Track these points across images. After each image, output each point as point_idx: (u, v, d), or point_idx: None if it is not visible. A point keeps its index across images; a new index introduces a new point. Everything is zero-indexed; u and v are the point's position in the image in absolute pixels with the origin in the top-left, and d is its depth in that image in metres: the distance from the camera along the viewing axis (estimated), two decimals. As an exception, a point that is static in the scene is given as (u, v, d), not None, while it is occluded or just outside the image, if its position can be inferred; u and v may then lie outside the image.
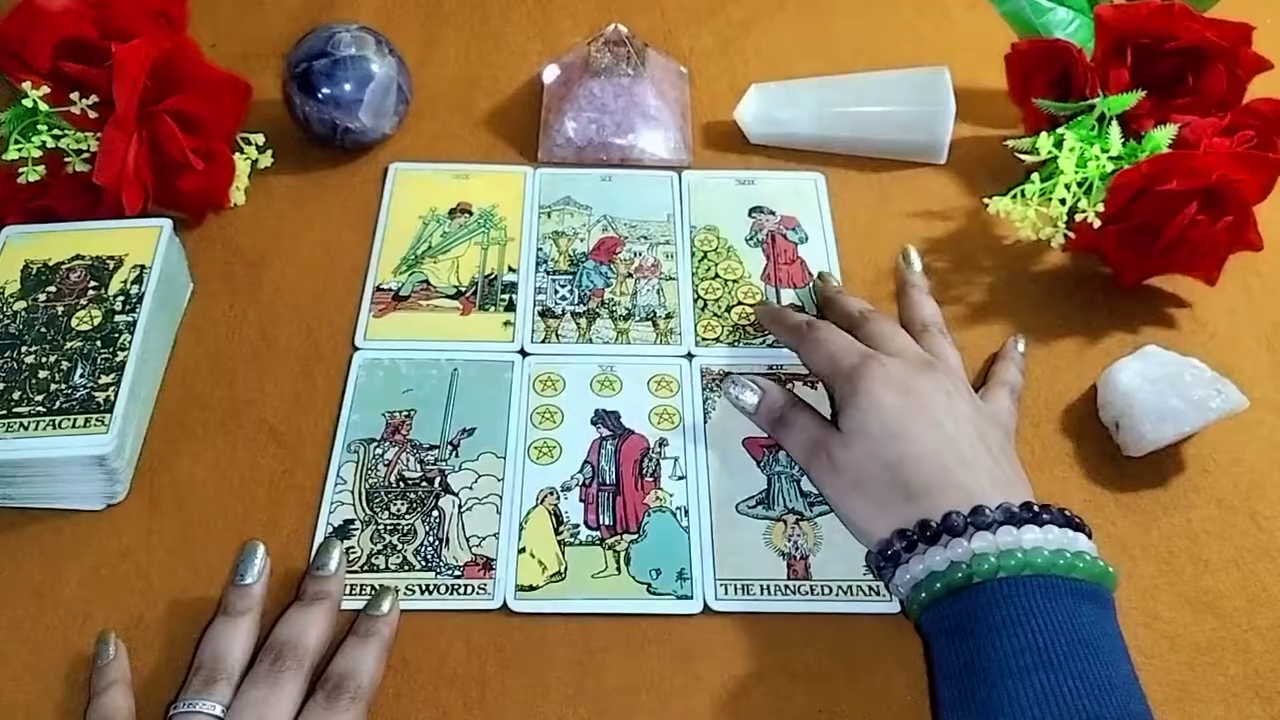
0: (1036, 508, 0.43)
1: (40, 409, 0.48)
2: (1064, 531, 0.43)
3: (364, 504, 0.50)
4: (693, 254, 0.62)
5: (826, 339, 0.53)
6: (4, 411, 0.47)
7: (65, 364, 0.49)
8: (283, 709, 0.41)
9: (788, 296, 0.60)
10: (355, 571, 0.48)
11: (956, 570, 0.42)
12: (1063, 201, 0.57)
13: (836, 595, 0.48)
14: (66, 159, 0.56)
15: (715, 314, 0.59)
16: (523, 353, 0.56)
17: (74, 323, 0.51)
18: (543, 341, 0.57)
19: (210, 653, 0.43)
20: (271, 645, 0.43)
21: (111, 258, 0.54)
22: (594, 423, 0.53)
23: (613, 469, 0.52)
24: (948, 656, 0.42)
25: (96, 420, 0.47)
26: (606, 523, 0.50)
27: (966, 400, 0.49)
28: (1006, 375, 0.54)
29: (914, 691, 0.45)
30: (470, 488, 0.51)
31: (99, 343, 0.50)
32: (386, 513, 0.50)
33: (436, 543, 0.49)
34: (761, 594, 0.48)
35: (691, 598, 0.47)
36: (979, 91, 0.69)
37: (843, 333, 0.53)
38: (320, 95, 0.62)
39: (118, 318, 0.51)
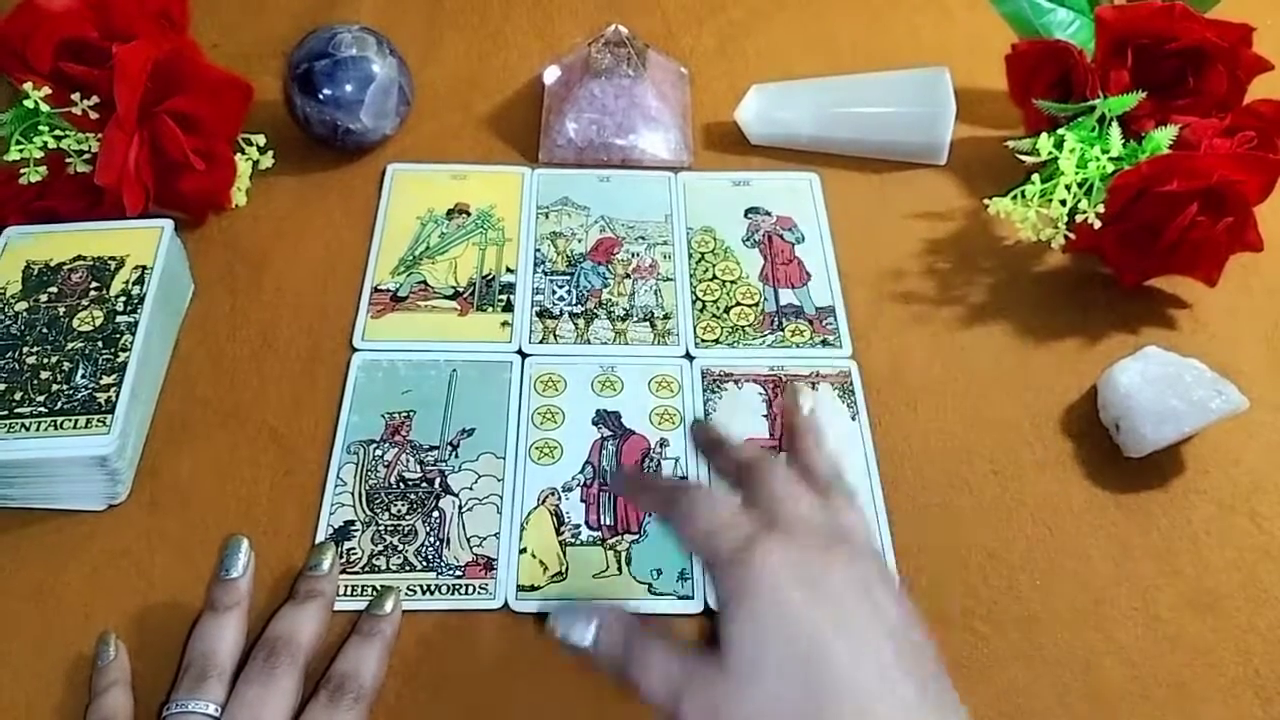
0: None
1: (42, 409, 0.48)
2: None
3: (364, 505, 0.50)
4: (690, 255, 0.62)
5: (700, 512, 0.38)
6: (5, 412, 0.47)
7: (67, 364, 0.49)
8: (279, 706, 0.41)
9: (786, 296, 0.60)
10: (356, 573, 0.48)
11: None
12: (1063, 202, 0.57)
13: (837, 596, 0.48)
14: (68, 160, 0.56)
15: (714, 315, 0.59)
16: (521, 353, 0.56)
17: (75, 323, 0.51)
18: (540, 342, 0.57)
19: (199, 650, 0.42)
20: (265, 642, 0.43)
21: (113, 258, 0.54)
22: (595, 423, 0.53)
23: (614, 469, 0.52)
24: None
25: (98, 421, 0.48)
26: (607, 523, 0.50)
27: (886, 593, 0.36)
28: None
29: (914, 692, 0.45)
30: (470, 488, 0.51)
31: (100, 343, 0.50)
32: (387, 514, 0.50)
33: (437, 543, 0.49)
34: (762, 594, 0.48)
35: (692, 598, 0.47)
36: (979, 92, 0.69)
37: (724, 497, 0.39)
38: (321, 96, 0.62)
39: (119, 318, 0.51)
